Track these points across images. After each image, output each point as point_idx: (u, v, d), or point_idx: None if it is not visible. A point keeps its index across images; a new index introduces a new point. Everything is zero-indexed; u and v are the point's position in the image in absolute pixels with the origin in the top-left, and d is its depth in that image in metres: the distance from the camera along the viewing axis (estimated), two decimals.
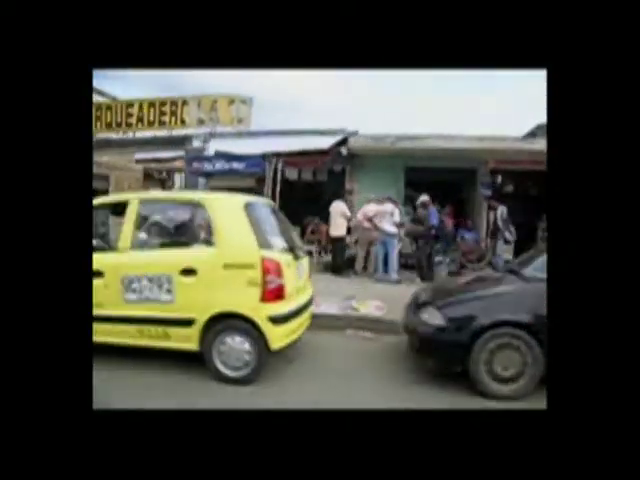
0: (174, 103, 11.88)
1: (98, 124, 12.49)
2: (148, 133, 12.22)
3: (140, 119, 12.13)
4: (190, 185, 11.80)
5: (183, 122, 11.79)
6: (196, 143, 11.95)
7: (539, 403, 1.80)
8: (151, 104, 12.05)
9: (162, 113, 11.95)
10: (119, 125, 12.34)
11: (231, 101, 11.65)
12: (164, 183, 17.53)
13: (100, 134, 12.61)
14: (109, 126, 12.44)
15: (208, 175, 11.29)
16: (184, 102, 11.80)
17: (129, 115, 12.22)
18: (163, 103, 11.97)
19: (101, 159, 13.29)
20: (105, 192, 13.71)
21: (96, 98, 16.06)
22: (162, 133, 12.06)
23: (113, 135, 12.52)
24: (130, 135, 12.37)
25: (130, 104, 12.25)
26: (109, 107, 12.45)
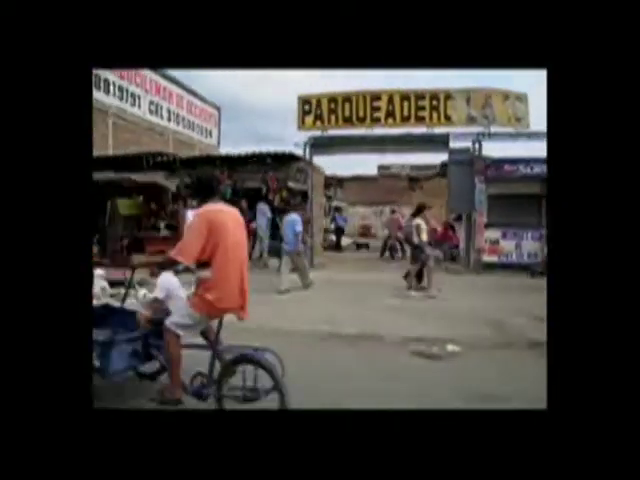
0: (435, 97, 10.44)
1: (333, 118, 10.77)
2: (397, 130, 10.68)
3: (390, 113, 10.55)
4: (456, 192, 10.43)
5: (448, 119, 10.38)
6: (455, 143, 10.59)
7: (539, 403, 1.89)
8: (404, 97, 10.53)
9: (419, 108, 10.46)
10: (361, 120, 10.67)
11: (505, 97, 10.41)
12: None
13: (333, 130, 10.90)
14: (347, 121, 10.73)
15: (487, 180, 10.01)
16: (447, 96, 10.39)
17: (375, 109, 10.60)
18: (420, 96, 10.48)
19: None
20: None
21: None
22: (418, 130, 10.56)
23: (353, 131, 10.82)
24: (373, 131, 10.74)
25: (376, 96, 10.63)
26: (347, 99, 10.71)
